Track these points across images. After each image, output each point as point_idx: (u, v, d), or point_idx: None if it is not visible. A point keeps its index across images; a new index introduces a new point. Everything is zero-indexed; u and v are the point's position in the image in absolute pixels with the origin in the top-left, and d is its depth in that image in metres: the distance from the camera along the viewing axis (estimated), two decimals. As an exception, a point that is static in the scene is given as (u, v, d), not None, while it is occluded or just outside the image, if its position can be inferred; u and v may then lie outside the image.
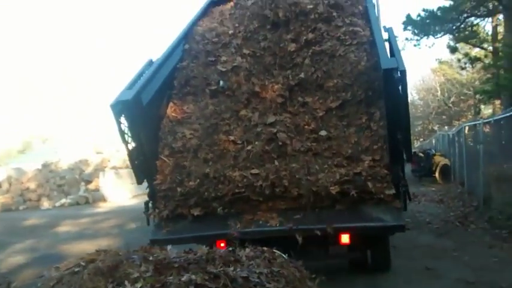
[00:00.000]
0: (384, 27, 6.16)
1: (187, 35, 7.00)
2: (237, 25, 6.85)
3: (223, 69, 6.25)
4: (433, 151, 19.90)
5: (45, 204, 19.81)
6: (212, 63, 6.45)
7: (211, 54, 6.57)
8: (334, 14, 6.57)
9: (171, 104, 6.22)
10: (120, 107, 5.20)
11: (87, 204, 19.18)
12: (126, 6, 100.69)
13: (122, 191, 20.36)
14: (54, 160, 22.55)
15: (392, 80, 4.56)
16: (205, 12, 7.59)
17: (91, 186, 20.41)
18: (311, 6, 6.58)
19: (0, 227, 13.62)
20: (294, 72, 5.99)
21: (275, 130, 5.43)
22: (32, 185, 20.75)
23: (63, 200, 19.89)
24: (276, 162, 5.20)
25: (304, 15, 6.54)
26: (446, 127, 37.03)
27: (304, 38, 6.28)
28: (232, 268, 2.97)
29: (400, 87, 4.66)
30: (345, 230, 5.06)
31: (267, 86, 5.92)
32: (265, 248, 3.62)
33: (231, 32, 6.76)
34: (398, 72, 4.55)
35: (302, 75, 5.88)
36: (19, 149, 62.71)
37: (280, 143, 5.33)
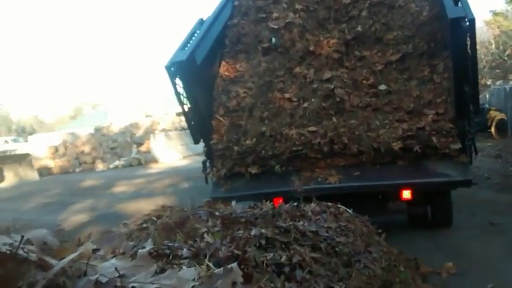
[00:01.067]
0: None
1: None
2: None
3: (275, 27, 6.08)
4: (487, 106, 19.07)
5: (100, 166, 20.52)
6: (263, 20, 6.29)
7: (261, 11, 6.40)
8: None
9: (223, 62, 6.16)
10: (175, 68, 5.20)
11: (139, 165, 19.68)
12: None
13: (172, 153, 20.79)
14: (106, 124, 23.21)
15: (460, 30, 4.30)
16: None
17: (142, 148, 20.91)
18: None
19: (60, 188, 14.24)
20: (350, 25, 5.77)
21: (332, 86, 5.30)
22: (86, 149, 21.49)
23: (117, 162, 20.52)
24: (334, 119, 5.10)
25: None
26: (500, 81, 35.26)
27: None
28: (301, 222, 2.96)
29: (468, 38, 4.39)
30: (409, 186, 4.95)
31: (322, 41, 5.74)
32: (330, 204, 3.60)
33: None
34: (467, 21, 4.26)
35: (359, 28, 5.65)
36: (70, 115, 65.06)
37: (337, 99, 5.21)
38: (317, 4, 6.13)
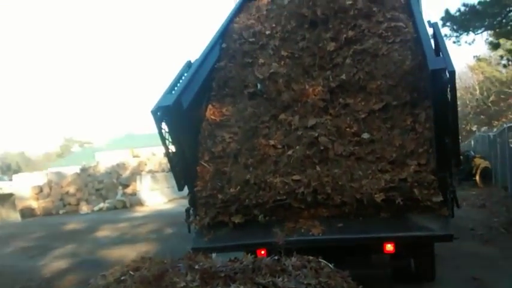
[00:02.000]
0: (429, 22, 5.82)
1: (225, 33, 6.88)
2: (274, 25, 6.69)
3: (261, 76, 6.14)
4: (473, 153, 19.32)
5: (84, 208, 20.25)
6: (249, 65, 6.35)
7: (248, 55, 6.47)
8: (375, 8, 6.33)
9: (210, 106, 6.15)
10: (162, 113, 5.17)
11: (124, 208, 19.49)
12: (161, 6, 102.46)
13: (158, 195, 20.65)
14: (93, 164, 23.06)
15: (440, 82, 4.36)
16: (241, 8, 7.43)
17: (128, 190, 20.76)
18: (350, 2, 6.37)
19: (42, 231, 13.99)
20: (334, 73, 5.82)
21: (316, 134, 5.31)
22: (72, 189, 21.27)
23: (102, 204, 20.30)
24: (318, 168, 5.09)
25: (343, 12, 6.35)
26: (485, 127, 35.88)
27: (344, 36, 6.08)
28: (280, 279, 2.92)
29: (448, 89, 4.47)
30: (390, 240, 4.92)
31: (307, 89, 5.79)
32: (311, 258, 3.56)
33: (268, 32, 6.62)
34: (447, 73, 4.35)
35: (343, 76, 5.70)
36: (58, 152, 64.57)
37: (321, 147, 5.21)
38: (302, 51, 6.21)
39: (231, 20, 7.10)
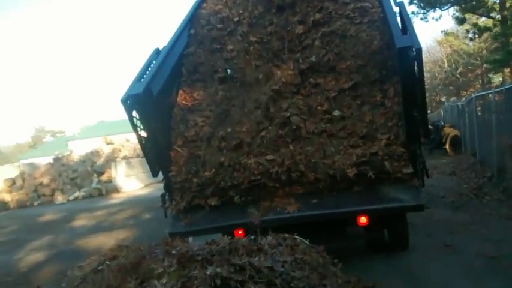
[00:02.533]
0: (395, 1, 5.88)
1: (193, 19, 6.84)
2: (241, 11, 6.67)
3: (231, 59, 6.15)
4: (442, 123, 19.73)
5: (59, 198, 19.97)
6: (218, 51, 6.35)
7: (216, 41, 6.46)
8: None
9: (180, 91, 6.15)
10: (132, 101, 5.13)
11: (100, 196, 19.31)
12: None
13: (133, 181, 20.50)
14: (66, 153, 22.68)
15: (407, 59, 4.44)
16: None
17: (103, 177, 20.53)
18: None
19: (17, 225, 13.79)
20: (303, 55, 5.87)
21: (288, 114, 5.37)
22: (45, 180, 20.92)
23: (77, 193, 20.05)
24: (291, 147, 5.16)
25: None
26: (454, 98, 36.69)
27: (312, 19, 6.13)
28: (256, 258, 2.96)
29: (415, 65, 4.55)
30: (363, 213, 5.04)
31: (277, 71, 5.81)
32: (286, 235, 3.63)
33: (236, 19, 6.60)
34: (414, 51, 4.42)
35: (313, 58, 5.76)
36: (30, 143, 63.28)
37: (294, 127, 5.27)
38: (270, 35, 6.23)
39: (198, 5, 7.03)
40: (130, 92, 5.16)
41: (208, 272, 2.72)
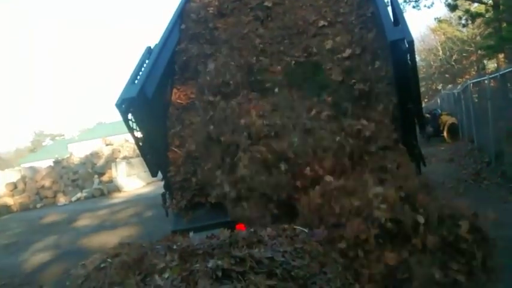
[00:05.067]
0: None
1: (183, 14, 6.67)
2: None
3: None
4: (439, 111, 19.78)
5: (62, 200, 20.04)
6: (210, 45, 6.30)
7: (208, 35, 6.40)
8: None
9: (174, 90, 6.05)
10: (126, 105, 5.04)
11: (102, 196, 19.37)
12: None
13: (135, 180, 20.56)
14: (66, 156, 22.74)
15: (400, 52, 4.44)
16: None
17: (104, 178, 20.60)
18: None
19: (21, 227, 13.85)
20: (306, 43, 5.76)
21: None
22: (47, 183, 20.97)
23: (79, 194, 20.11)
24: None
25: None
26: (450, 85, 36.67)
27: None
28: (256, 249, 3.02)
29: (408, 58, 4.55)
30: None
31: (274, 64, 5.78)
32: (286, 226, 3.68)
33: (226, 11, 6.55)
34: (406, 43, 4.43)
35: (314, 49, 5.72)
36: (29, 147, 63.30)
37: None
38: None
39: None
40: (124, 95, 5.06)
41: (209, 265, 2.78)
